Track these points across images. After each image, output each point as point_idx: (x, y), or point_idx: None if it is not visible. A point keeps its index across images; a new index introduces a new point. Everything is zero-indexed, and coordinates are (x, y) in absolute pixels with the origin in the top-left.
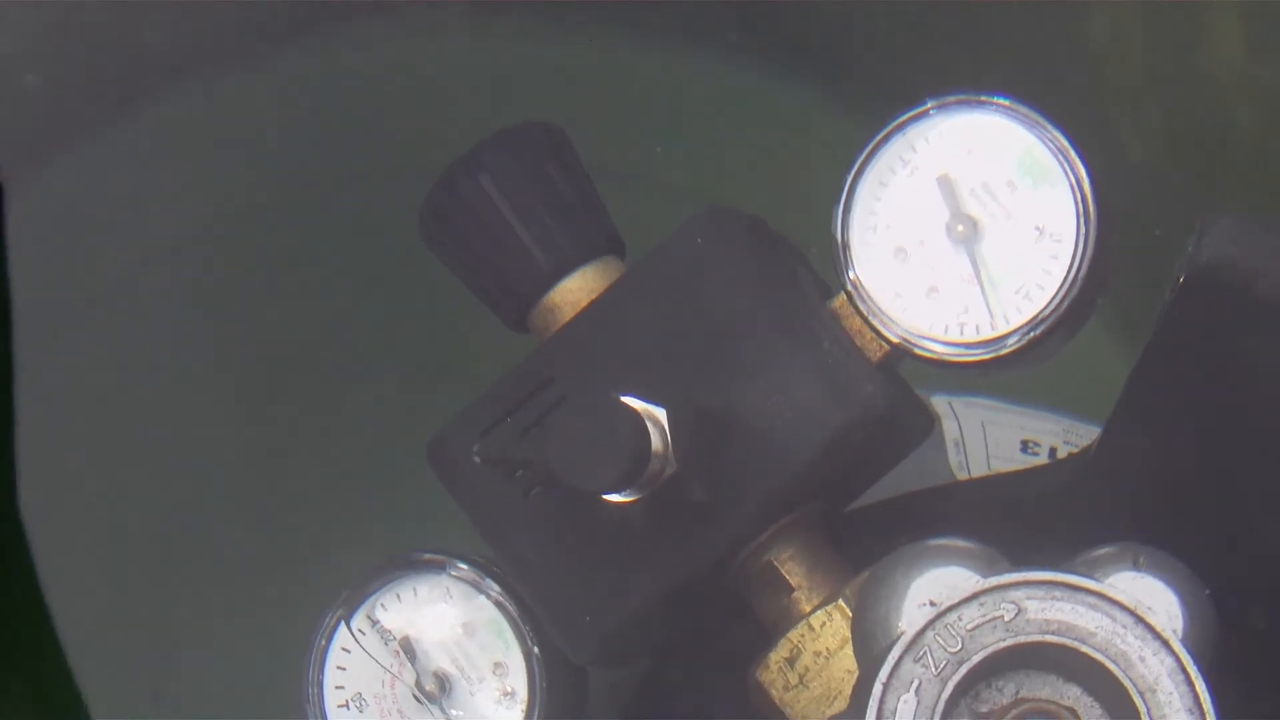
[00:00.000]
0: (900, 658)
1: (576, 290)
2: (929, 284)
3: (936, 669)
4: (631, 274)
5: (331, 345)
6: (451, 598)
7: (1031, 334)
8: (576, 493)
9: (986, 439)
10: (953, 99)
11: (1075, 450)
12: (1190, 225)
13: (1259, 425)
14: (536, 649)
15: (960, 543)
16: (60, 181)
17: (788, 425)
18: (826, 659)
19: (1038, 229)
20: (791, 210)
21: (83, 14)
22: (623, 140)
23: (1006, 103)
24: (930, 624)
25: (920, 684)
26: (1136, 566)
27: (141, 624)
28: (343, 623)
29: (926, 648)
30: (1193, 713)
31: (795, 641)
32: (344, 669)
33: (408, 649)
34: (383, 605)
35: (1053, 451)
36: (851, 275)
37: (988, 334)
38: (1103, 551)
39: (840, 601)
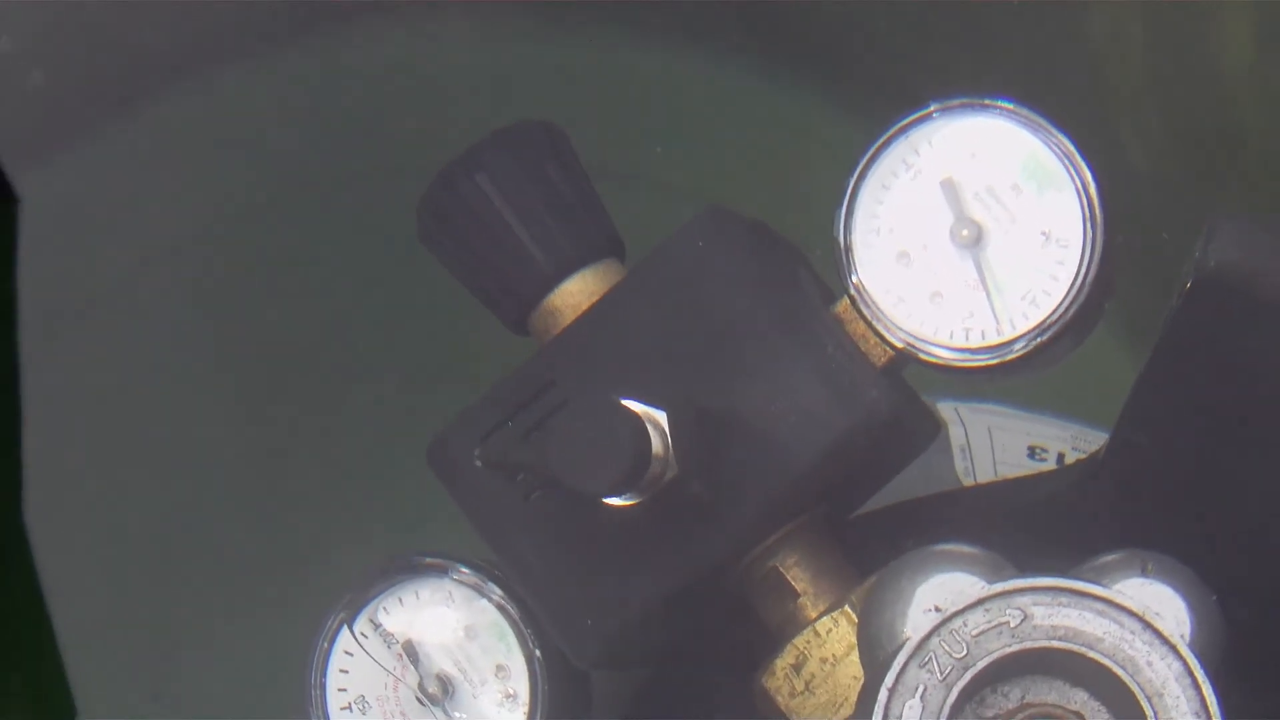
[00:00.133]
0: (906, 663)
1: (577, 293)
2: (933, 289)
3: (942, 674)
4: (632, 276)
5: (332, 346)
6: (454, 601)
7: (1038, 339)
8: (578, 495)
9: (993, 445)
10: (956, 102)
11: (1082, 456)
12: (1197, 228)
13: (1267, 430)
14: (538, 652)
15: (966, 548)
16: (61, 181)
17: (790, 429)
18: (833, 665)
19: (1044, 234)
20: (793, 212)
21: (83, 14)
22: (623, 141)
23: (1010, 106)
24: (936, 630)
25: (926, 689)
26: (1144, 573)
27: (142, 624)
28: (345, 626)
29: (932, 653)
30: (1199, 717)
31: (801, 648)
32: (346, 672)
33: (410, 652)
34: (385, 609)
35: (1060, 457)
36: (854, 279)
37: (993, 339)
38: (1110, 558)
39: (846, 607)
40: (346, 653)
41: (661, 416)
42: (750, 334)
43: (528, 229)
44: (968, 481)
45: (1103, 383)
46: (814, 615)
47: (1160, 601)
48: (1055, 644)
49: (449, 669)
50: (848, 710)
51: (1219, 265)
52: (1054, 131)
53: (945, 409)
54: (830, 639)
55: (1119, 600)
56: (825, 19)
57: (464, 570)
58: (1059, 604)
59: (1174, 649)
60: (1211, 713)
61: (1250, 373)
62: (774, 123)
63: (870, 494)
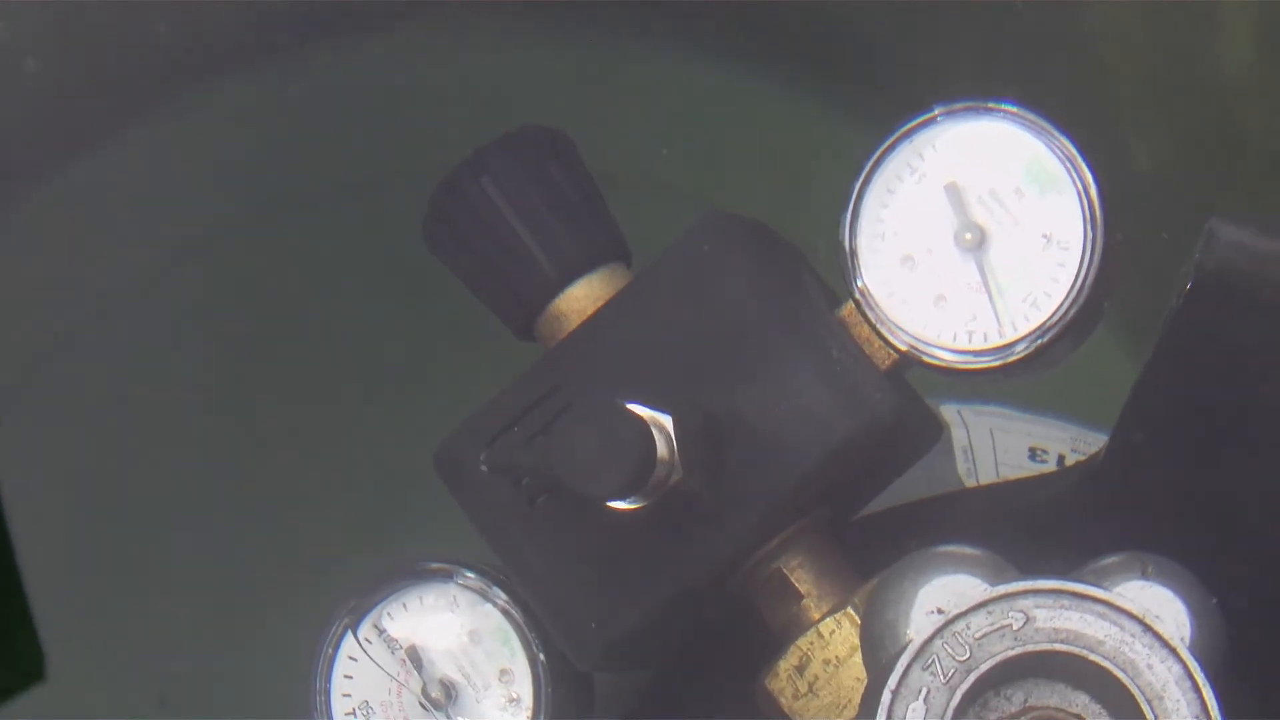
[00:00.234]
0: (909, 666)
1: (582, 298)
2: (937, 292)
3: (945, 677)
4: (637, 281)
5: (337, 351)
6: (458, 606)
7: (1039, 341)
8: (583, 499)
9: (995, 446)
10: (960, 106)
11: (1083, 457)
12: (1198, 229)
13: (1267, 431)
14: (542, 656)
15: (968, 550)
16: (65, 187)
17: (795, 432)
18: (836, 667)
19: (1045, 236)
20: (797, 215)
21: (87, 20)
22: (628, 145)
23: (1014, 110)
24: (938, 632)
25: (929, 692)
26: (1145, 575)
27: (148, 630)
28: (349, 631)
29: (935, 656)
30: (1200, 719)
31: (804, 649)
32: (351, 677)
33: (414, 657)
34: (389, 614)
35: (1061, 459)
36: (859, 283)
37: (995, 341)
38: (1111, 560)
39: (849, 609)
40: (351, 658)
41: (666, 420)
42: (754, 337)
43: (533, 233)
44: (970, 483)
45: (1103, 384)
46: (817, 617)
47: (1160, 604)
48: (1057, 647)
49: (453, 674)
50: (851, 712)
51: (1219, 266)
52: (1056, 134)
53: (947, 411)
54: (833, 640)
55: (1120, 603)
56: (829, 22)
57: (469, 575)
58: (1061, 606)
59: (1174, 652)
60: (1212, 716)
61: (1250, 373)
62: (778, 126)
63: (873, 496)
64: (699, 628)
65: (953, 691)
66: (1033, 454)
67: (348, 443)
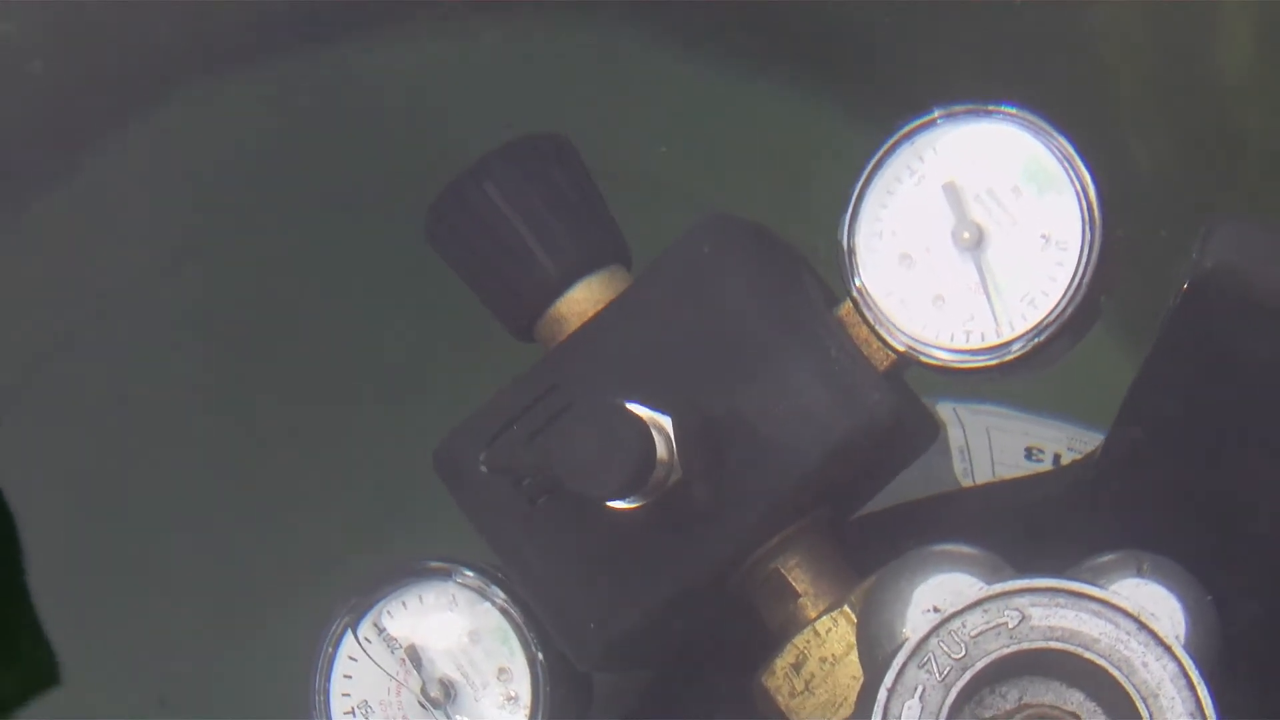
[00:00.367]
0: (905, 664)
1: (583, 300)
2: (935, 291)
3: (940, 675)
4: (637, 282)
5: (337, 351)
6: (457, 605)
7: (1036, 339)
8: (582, 499)
9: (991, 446)
10: (960, 108)
11: (1079, 457)
12: (1196, 229)
13: (1264, 431)
14: (540, 655)
15: (964, 549)
16: (65, 188)
17: (794, 432)
18: (832, 665)
19: (1044, 236)
20: (797, 216)
21: (88, 21)
22: (629, 145)
23: (1013, 110)
24: (934, 630)
25: (924, 690)
26: (1140, 573)
27: (148, 629)
28: (349, 630)
29: (931, 654)
30: (1195, 717)
31: (801, 647)
32: (350, 677)
33: (414, 656)
34: (389, 613)
35: (1057, 458)
36: (857, 282)
37: (993, 340)
38: (1106, 559)
39: (846, 607)
40: (350, 657)
41: (666, 420)
42: (754, 338)
43: (534, 235)
44: (966, 482)
45: (1099, 383)
46: (814, 615)
47: (1155, 602)
48: (1053, 645)
49: (451, 673)
50: (847, 710)
51: (1216, 266)
52: (1055, 134)
53: (944, 410)
54: (830, 639)
55: (1115, 601)
56: (829, 22)
57: (468, 574)
58: (1056, 605)
59: (1169, 650)
60: (1206, 713)
61: (1247, 373)
62: (778, 126)
63: (870, 496)
64: (698, 627)
65: (948, 689)
66: (1029, 453)
67: (348, 443)
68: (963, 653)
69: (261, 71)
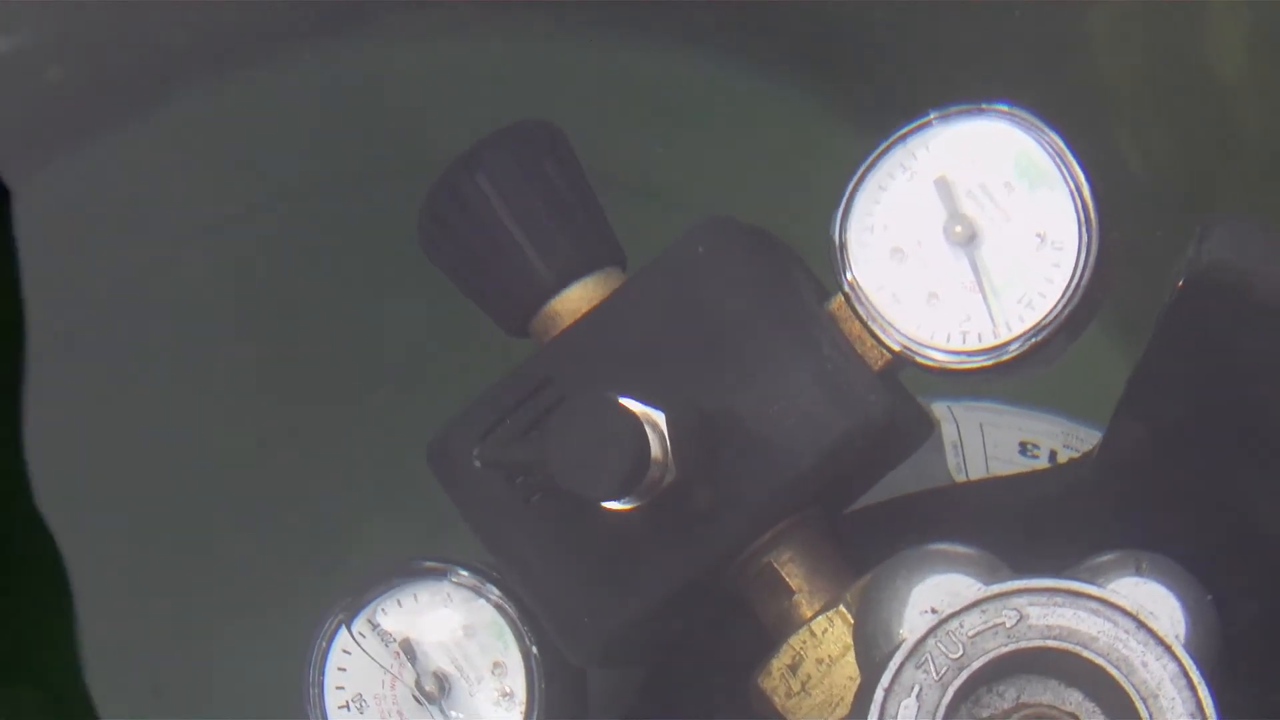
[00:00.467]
0: (902, 664)
1: (578, 299)
2: (929, 289)
3: (938, 674)
4: (632, 281)
5: (334, 347)
6: (452, 602)
7: (1033, 340)
8: (577, 498)
9: (985, 441)
10: (954, 109)
11: (1075, 453)
12: (1192, 228)
13: (1259, 427)
14: (535, 650)
15: (961, 548)
16: (70, 181)
17: (788, 432)
18: (829, 666)
19: (1039, 236)
20: (792, 215)
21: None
22: (624, 144)
23: (1006, 108)
24: (932, 631)
25: (921, 689)
26: (1139, 572)
27: (143, 621)
28: (343, 625)
29: (928, 654)
30: (1195, 717)
31: (797, 648)
32: (344, 670)
33: (408, 650)
34: (384, 610)
35: (1052, 454)
36: (849, 277)
37: (989, 341)
38: (1105, 558)
39: (841, 607)
40: (345, 651)
41: (660, 418)
42: (748, 337)
43: (529, 236)
44: (959, 478)
45: (1095, 380)
46: (809, 613)
47: (1155, 601)
48: (1050, 643)
49: (446, 667)
50: (844, 710)
51: (1211, 265)
52: (1046, 130)
53: (937, 406)
54: (826, 639)
55: (1114, 600)
56: (829, 22)
57: (463, 573)
58: (1054, 604)
59: (1169, 649)
60: (1207, 714)
61: (1242, 372)
62: (778, 126)
63: (862, 492)
64: (693, 624)
65: (945, 689)
66: (1023, 449)
67: (348, 442)
68: (960, 652)
69: (261, 72)
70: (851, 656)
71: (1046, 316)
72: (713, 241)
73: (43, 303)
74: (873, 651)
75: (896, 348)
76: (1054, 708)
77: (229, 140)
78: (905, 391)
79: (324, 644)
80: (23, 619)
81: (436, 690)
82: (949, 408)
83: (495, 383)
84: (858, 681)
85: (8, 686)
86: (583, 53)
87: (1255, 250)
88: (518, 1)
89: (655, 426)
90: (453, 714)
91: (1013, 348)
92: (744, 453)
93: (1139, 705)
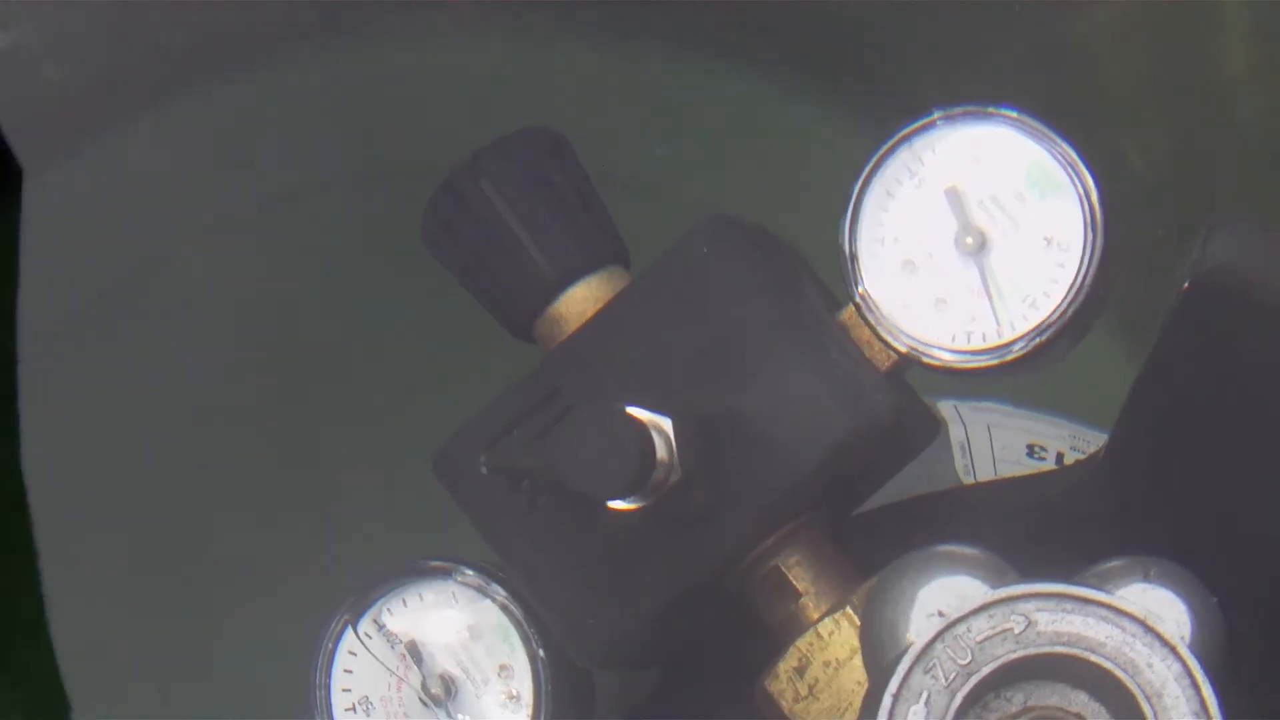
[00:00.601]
0: (910, 669)
1: (582, 300)
2: (937, 295)
3: (946, 680)
4: (636, 283)
5: (339, 349)
6: (458, 603)
7: (1037, 340)
8: (583, 500)
9: (993, 443)
10: (959, 110)
11: (1081, 456)
12: (1195, 230)
13: (1264, 430)
14: (542, 652)
15: (968, 550)
16: (70, 181)
17: (794, 432)
18: (836, 669)
19: (1045, 239)
20: (796, 217)
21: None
22: (627, 146)
23: (1014, 114)
24: (939, 635)
25: (929, 695)
26: (1147, 579)
27: (150, 625)
28: (349, 627)
29: (936, 659)
30: (1199, 716)
31: (804, 650)
32: (351, 672)
33: (414, 652)
34: (389, 610)
35: (1059, 456)
36: (860, 288)
37: (994, 341)
38: (1113, 564)
39: (848, 609)
40: (351, 653)
41: (666, 422)
42: (754, 338)
43: (532, 236)
44: (968, 480)
45: (1101, 382)
46: (816, 616)
47: (1161, 605)
48: (1059, 650)
49: (452, 669)
50: (851, 715)
51: (1216, 267)
52: (1058, 140)
53: (945, 407)
54: (833, 642)
55: (1122, 606)
56: (829, 22)
57: (468, 572)
58: (1063, 610)
59: (1174, 650)
60: (1210, 712)
61: (1247, 374)
62: (778, 127)
63: (870, 494)
64: (699, 626)
65: (953, 695)
66: (1031, 451)
67: (348, 440)
68: (968, 658)
69: (261, 72)
70: (859, 659)
71: (1050, 316)
72: (716, 242)
73: (43, 301)
74: (879, 654)
75: (903, 349)
76: (1061, 710)
77: (229, 140)
78: (912, 391)
79: (330, 645)
80: None
81: (443, 693)
82: (956, 409)
83: (501, 393)
84: (865, 686)
85: None
86: (583, 53)
87: (1260, 252)
88: (518, 1)
89: (661, 429)
90: (459, 717)
91: (1017, 347)
92: (750, 454)
93: (1144, 705)
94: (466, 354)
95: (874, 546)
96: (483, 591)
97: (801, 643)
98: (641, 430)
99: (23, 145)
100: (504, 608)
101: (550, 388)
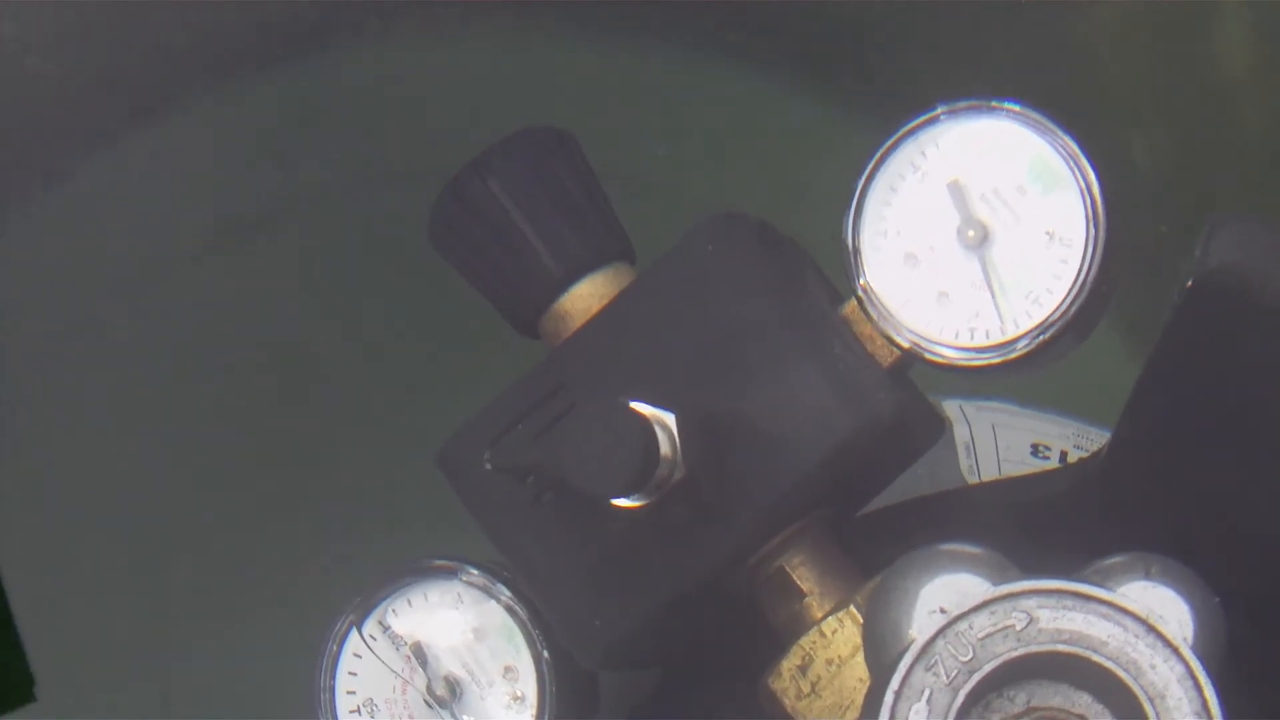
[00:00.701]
0: (911, 666)
1: (587, 296)
2: (939, 289)
3: (948, 678)
4: (641, 280)
5: (340, 349)
6: (462, 603)
7: (1041, 337)
8: (587, 497)
9: (997, 442)
10: (962, 105)
11: (1085, 454)
12: (1198, 228)
13: (1267, 430)
14: (546, 653)
15: (970, 548)
16: (70, 183)
17: (797, 430)
18: (839, 667)
19: (1048, 234)
20: (799, 214)
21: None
22: (631, 144)
23: (1017, 108)
24: (941, 632)
25: (932, 693)
26: (1149, 576)
27: (152, 627)
28: (354, 628)
29: (938, 656)
30: (1200, 716)
31: (807, 648)
32: (355, 674)
33: (419, 654)
34: (394, 611)
35: (1063, 455)
36: (862, 282)
37: (997, 338)
38: (1114, 561)
39: (851, 607)
40: (355, 655)
41: (669, 418)
42: (758, 336)
43: (538, 232)
44: (972, 479)
45: (1104, 381)
46: (820, 615)
47: (1163, 604)
48: (1060, 648)
49: (457, 671)
50: (854, 713)
51: (1219, 265)
52: (1060, 134)
53: (949, 407)
54: (836, 640)
55: (1124, 604)
56: (829, 22)
57: (473, 572)
58: (1064, 607)
59: (1176, 651)
60: (1213, 713)
61: (1250, 373)
62: (778, 126)
63: (875, 493)
64: (703, 626)
65: (955, 692)
66: (1035, 450)
67: (352, 439)
68: (970, 655)
69: (263, 73)
70: (861, 658)
71: (1053, 313)
72: (721, 239)
73: (44, 303)
74: (882, 652)
75: (906, 345)
76: (1064, 710)
77: (231, 142)
78: (915, 389)
79: (335, 647)
80: None
81: (448, 694)
82: (961, 408)
83: (506, 389)
84: (868, 684)
85: None
86: (583, 53)
87: (1263, 251)
88: (518, 1)
89: (665, 426)
90: (464, 718)
91: (1021, 345)
92: (753, 452)
93: (1146, 706)
94: (466, 354)
95: (877, 546)
96: (488, 592)
97: (805, 641)
98: (645, 426)
99: (23, 146)
100: (509, 608)
101: (554, 384)
